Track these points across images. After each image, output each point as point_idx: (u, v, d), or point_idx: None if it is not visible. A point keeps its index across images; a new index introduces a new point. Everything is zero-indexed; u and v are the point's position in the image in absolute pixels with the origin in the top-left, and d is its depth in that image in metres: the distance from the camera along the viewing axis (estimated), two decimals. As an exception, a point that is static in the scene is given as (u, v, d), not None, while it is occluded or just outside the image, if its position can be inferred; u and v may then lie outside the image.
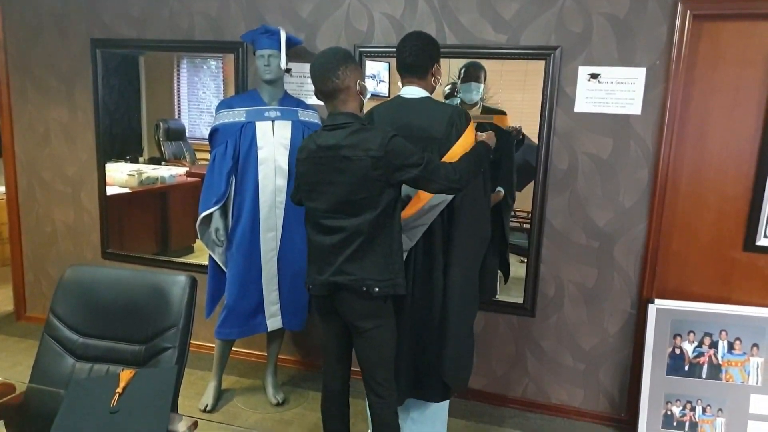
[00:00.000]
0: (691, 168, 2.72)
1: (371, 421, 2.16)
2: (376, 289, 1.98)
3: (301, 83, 3.12)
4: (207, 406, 2.95)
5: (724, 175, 2.70)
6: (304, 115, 2.83)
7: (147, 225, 4.03)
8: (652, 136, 2.68)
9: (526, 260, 2.98)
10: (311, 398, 3.09)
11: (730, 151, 2.68)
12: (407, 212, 2.19)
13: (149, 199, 3.97)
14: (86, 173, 3.64)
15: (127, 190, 3.79)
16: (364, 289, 1.98)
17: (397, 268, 2.04)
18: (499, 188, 2.99)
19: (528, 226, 2.95)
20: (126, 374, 1.56)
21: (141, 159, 4.07)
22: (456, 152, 2.14)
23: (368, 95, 2.09)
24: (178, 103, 4.18)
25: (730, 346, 2.72)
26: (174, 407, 1.77)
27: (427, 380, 2.34)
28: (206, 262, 2.97)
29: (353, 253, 1.99)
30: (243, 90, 3.17)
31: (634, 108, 2.67)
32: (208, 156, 2.83)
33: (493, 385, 3.11)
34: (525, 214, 2.98)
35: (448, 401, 2.55)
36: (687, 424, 2.75)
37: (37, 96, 3.66)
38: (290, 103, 2.83)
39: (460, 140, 2.18)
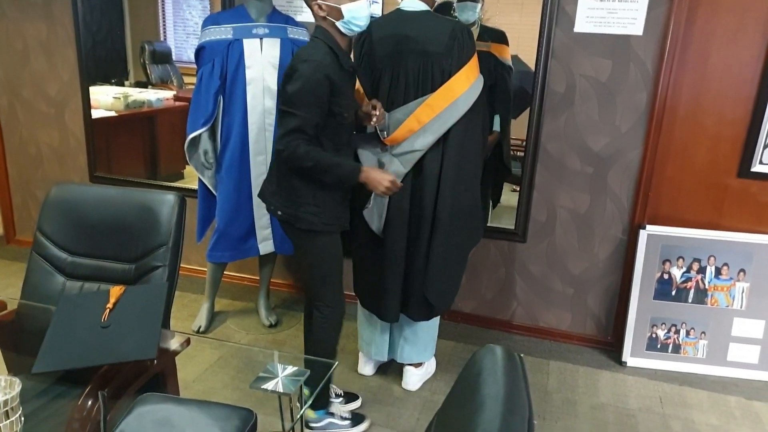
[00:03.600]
0: (691, 92, 2.66)
1: (306, 331, 2.28)
2: (279, 213, 2.04)
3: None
4: (200, 327, 2.99)
5: (724, 99, 2.64)
6: (294, 33, 2.71)
7: (135, 149, 3.95)
8: (652, 58, 2.60)
9: (518, 189, 2.96)
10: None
11: (732, 76, 2.61)
12: (396, 136, 2.14)
13: (136, 122, 3.87)
14: (69, 94, 3.52)
15: (113, 114, 3.68)
16: (279, 213, 2.05)
17: (301, 202, 2.00)
18: (494, 129, 2.94)
19: (522, 153, 2.90)
20: (116, 290, 1.55)
21: (126, 82, 3.94)
22: (456, 86, 2.08)
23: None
24: (164, 25, 4.00)
25: (718, 272, 2.76)
26: (166, 325, 1.78)
27: (412, 299, 2.37)
28: (196, 187, 2.93)
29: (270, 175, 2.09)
30: (230, 6, 3.02)
31: (636, 28, 2.58)
32: (195, 80, 2.73)
33: (482, 309, 3.16)
34: (519, 142, 2.93)
35: (437, 323, 2.60)
36: (670, 346, 2.82)
37: (13, 9, 3.48)
38: (279, 19, 2.71)
39: (463, 70, 2.11)
